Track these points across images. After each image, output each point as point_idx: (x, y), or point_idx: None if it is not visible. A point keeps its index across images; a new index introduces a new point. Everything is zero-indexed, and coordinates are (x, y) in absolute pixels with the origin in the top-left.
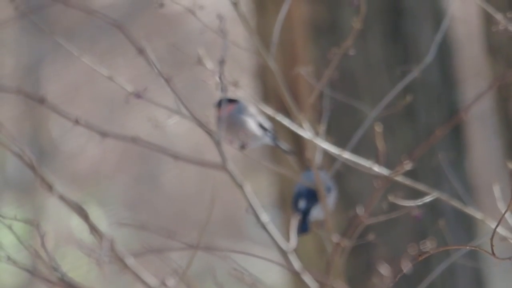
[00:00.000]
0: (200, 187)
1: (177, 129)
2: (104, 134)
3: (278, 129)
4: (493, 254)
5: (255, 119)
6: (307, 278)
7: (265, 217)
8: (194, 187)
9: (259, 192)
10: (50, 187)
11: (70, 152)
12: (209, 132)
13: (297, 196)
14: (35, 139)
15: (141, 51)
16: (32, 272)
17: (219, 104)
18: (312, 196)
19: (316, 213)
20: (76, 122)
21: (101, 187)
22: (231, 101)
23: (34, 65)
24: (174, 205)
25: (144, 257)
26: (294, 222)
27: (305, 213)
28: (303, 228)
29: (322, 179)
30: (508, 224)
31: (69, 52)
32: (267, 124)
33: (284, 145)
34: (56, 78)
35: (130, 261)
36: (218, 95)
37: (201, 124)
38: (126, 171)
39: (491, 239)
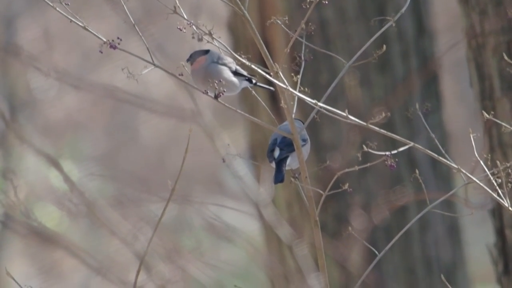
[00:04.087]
0: (177, 135)
1: (152, 76)
2: (76, 86)
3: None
4: (466, 202)
5: (229, 67)
6: (281, 230)
7: (241, 169)
8: (171, 136)
9: (236, 141)
10: (23, 138)
11: (46, 101)
12: (184, 83)
13: (273, 145)
14: (12, 88)
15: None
16: (4, 222)
17: (192, 57)
18: (287, 145)
19: (291, 162)
20: (48, 74)
21: (76, 136)
22: (204, 52)
23: (11, 16)
24: (150, 155)
25: (119, 208)
26: (269, 172)
27: (281, 163)
28: (278, 177)
29: (298, 130)
30: (483, 173)
31: (45, 3)
32: (242, 70)
33: (264, 85)
34: (33, 28)
35: (103, 211)
36: (193, 44)
37: (175, 76)
38: (101, 120)
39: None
